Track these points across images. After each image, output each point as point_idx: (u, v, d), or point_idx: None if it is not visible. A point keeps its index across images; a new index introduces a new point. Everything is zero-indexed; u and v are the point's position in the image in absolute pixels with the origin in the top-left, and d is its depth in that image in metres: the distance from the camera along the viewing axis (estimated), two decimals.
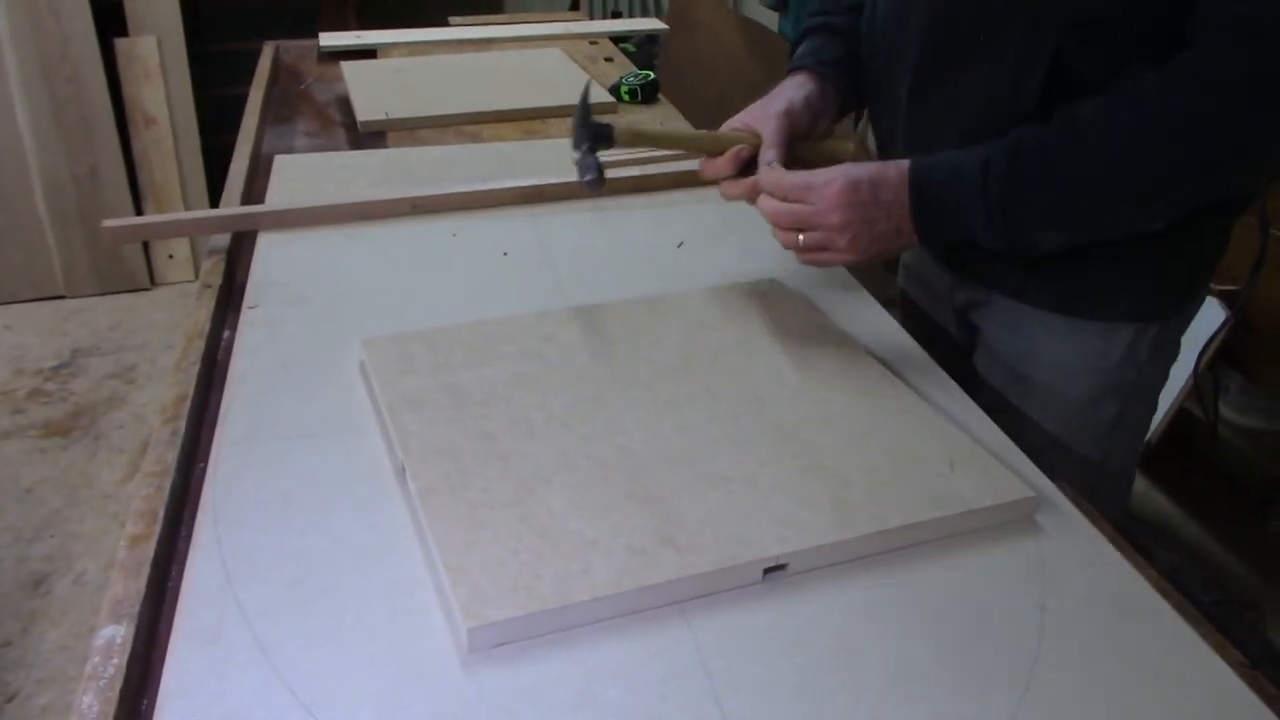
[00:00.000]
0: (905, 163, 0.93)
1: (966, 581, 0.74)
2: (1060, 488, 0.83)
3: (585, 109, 1.03)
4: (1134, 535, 0.80)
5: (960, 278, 1.11)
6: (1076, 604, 0.72)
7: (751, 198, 0.99)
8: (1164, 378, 1.11)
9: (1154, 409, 1.14)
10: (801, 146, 1.07)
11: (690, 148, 1.12)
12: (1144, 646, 0.69)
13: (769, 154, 1.01)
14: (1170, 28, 0.85)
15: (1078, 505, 0.82)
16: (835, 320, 1.03)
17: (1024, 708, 0.64)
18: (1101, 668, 0.67)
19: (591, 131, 1.02)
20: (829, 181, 0.92)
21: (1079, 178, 0.87)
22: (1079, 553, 0.77)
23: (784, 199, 0.94)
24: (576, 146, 1.02)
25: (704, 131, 1.09)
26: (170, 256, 3.20)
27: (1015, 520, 0.79)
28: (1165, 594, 0.74)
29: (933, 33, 1.00)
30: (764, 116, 1.05)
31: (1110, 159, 0.86)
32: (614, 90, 1.80)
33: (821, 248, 0.94)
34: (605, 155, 1.03)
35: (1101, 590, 0.73)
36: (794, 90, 1.09)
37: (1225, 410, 2.02)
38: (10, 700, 1.86)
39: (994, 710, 0.64)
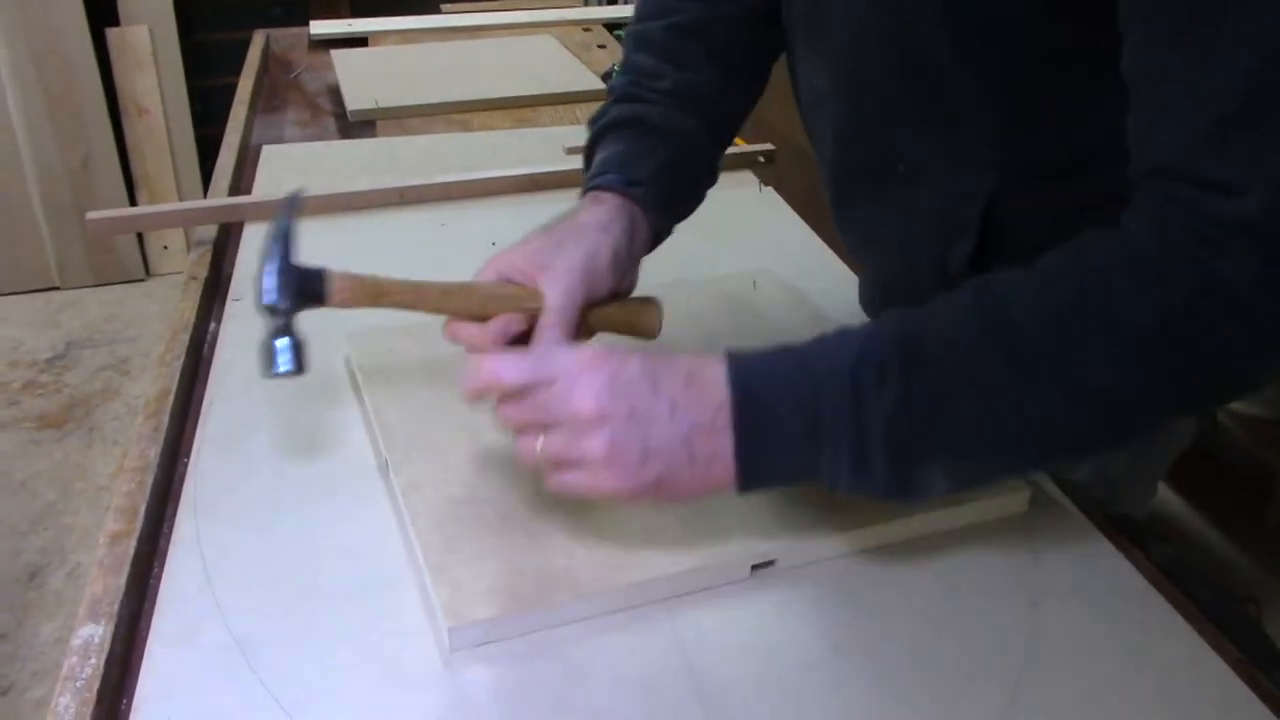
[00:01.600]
0: (712, 357, 0.63)
1: (957, 578, 0.72)
2: (1054, 481, 0.82)
3: (285, 237, 0.71)
4: (1129, 528, 0.79)
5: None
6: (1069, 599, 0.71)
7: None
8: (1151, 478, 0.98)
9: (1147, 496, 0.99)
10: (596, 313, 0.77)
11: (446, 310, 0.77)
12: (1139, 642, 0.68)
13: (552, 331, 0.72)
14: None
15: (1071, 499, 0.80)
16: (828, 311, 1.02)
17: (1015, 705, 0.63)
18: (1095, 664, 0.66)
19: (294, 281, 0.70)
20: (579, 350, 0.63)
21: (1011, 395, 0.59)
22: (1072, 547, 0.76)
23: (523, 386, 0.63)
24: (266, 304, 0.69)
25: (464, 284, 0.78)
26: (165, 248, 3.18)
27: (1007, 515, 0.78)
28: (1161, 589, 0.72)
29: (844, 154, 0.86)
30: (553, 270, 0.73)
31: (1071, 362, 0.58)
32: (607, 78, 1.78)
33: (564, 459, 0.62)
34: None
35: (1095, 585, 0.72)
36: (599, 231, 0.76)
37: None
38: (5, 693, 1.85)
39: (985, 708, 0.63)
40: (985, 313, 0.59)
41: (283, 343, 0.68)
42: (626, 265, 0.78)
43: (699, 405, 0.61)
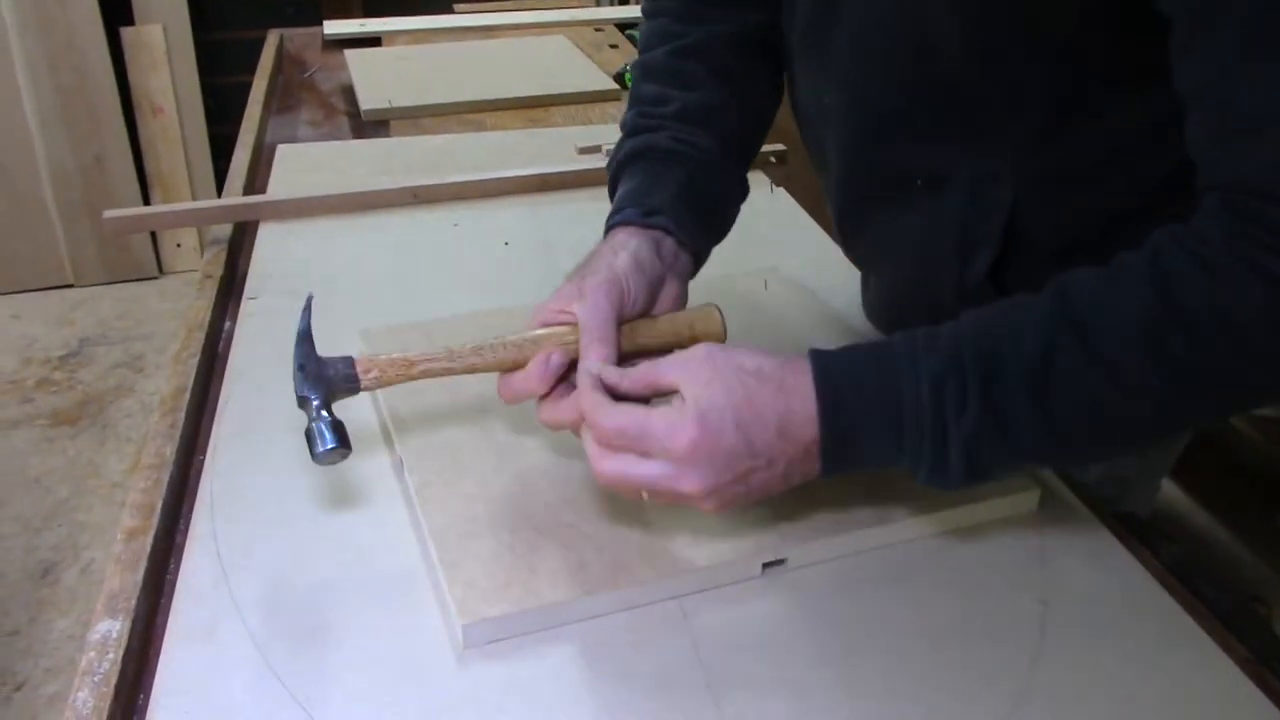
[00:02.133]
0: (803, 366, 0.65)
1: (967, 576, 0.73)
2: (1063, 480, 0.82)
3: (307, 335, 0.73)
4: (1138, 528, 0.79)
5: None
6: (1079, 598, 0.71)
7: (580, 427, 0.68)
8: (1156, 476, 0.99)
9: (1152, 494, 0.99)
10: (643, 328, 0.76)
11: (482, 367, 0.75)
12: (1147, 641, 0.68)
13: (591, 356, 0.70)
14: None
15: (1080, 497, 0.81)
16: (837, 310, 1.02)
17: (1024, 704, 0.63)
18: (1104, 663, 0.66)
19: (321, 373, 0.72)
20: (673, 426, 0.62)
21: (1086, 410, 0.61)
22: (1081, 546, 0.76)
23: (609, 445, 0.65)
24: (301, 395, 0.72)
25: (497, 338, 0.75)
26: (178, 246, 3.20)
27: (1017, 513, 0.78)
28: (1170, 588, 0.73)
29: (854, 170, 0.85)
30: (581, 296, 0.73)
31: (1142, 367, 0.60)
32: (619, 78, 1.78)
33: (670, 503, 0.66)
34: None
35: (1104, 584, 0.73)
36: (617, 250, 0.76)
37: None
38: (19, 689, 1.86)
39: (994, 706, 0.63)
40: (1060, 324, 0.61)
41: (321, 426, 0.70)
42: (658, 275, 0.78)
43: (793, 449, 0.64)
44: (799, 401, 0.63)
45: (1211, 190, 0.60)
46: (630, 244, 0.77)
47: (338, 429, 0.70)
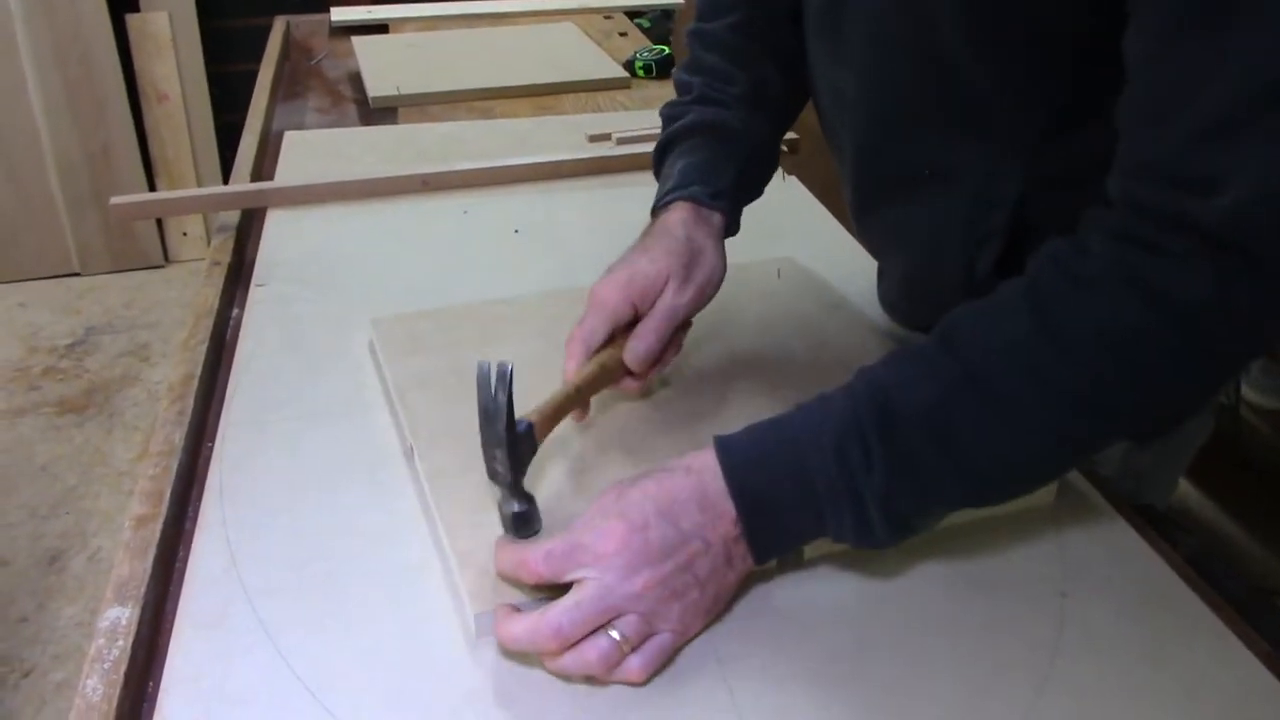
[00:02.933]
0: (707, 449, 0.65)
1: (985, 568, 0.72)
2: (1081, 473, 0.82)
3: (505, 409, 0.67)
4: (1156, 520, 0.78)
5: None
6: (1097, 591, 0.70)
7: None
8: (1176, 470, 0.98)
9: (1170, 487, 0.98)
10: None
11: (600, 387, 0.78)
12: (1167, 634, 0.67)
13: (644, 344, 0.76)
14: None
15: (1100, 490, 0.80)
16: (851, 300, 1.01)
17: (1043, 697, 0.63)
18: (1123, 656, 0.66)
19: (510, 445, 0.67)
20: (599, 532, 0.62)
21: (986, 448, 0.61)
22: (1100, 538, 0.75)
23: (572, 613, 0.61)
24: (491, 468, 0.69)
25: (596, 364, 0.77)
26: (184, 234, 3.19)
27: (1035, 506, 0.77)
28: (1189, 581, 0.72)
29: (868, 158, 0.84)
30: (657, 306, 0.78)
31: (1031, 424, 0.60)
32: (629, 66, 1.77)
33: (647, 634, 0.62)
34: None
35: (1123, 577, 0.72)
36: (679, 241, 0.80)
37: (1247, 392, 1.99)
38: (26, 675, 1.86)
39: (1012, 700, 0.62)
40: (949, 369, 0.61)
41: (532, 509, 0.70)
42: (701, 246, 0.82)
43: (719, 525, 0.63)
44: (710, 477, 0.63)
45: (1115, 180, 0.59)
46: (682, 225, 0.81)
47: (530, 503, 0.70)
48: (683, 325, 0.82)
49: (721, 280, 0.83)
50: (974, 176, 0.77)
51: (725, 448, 0.64)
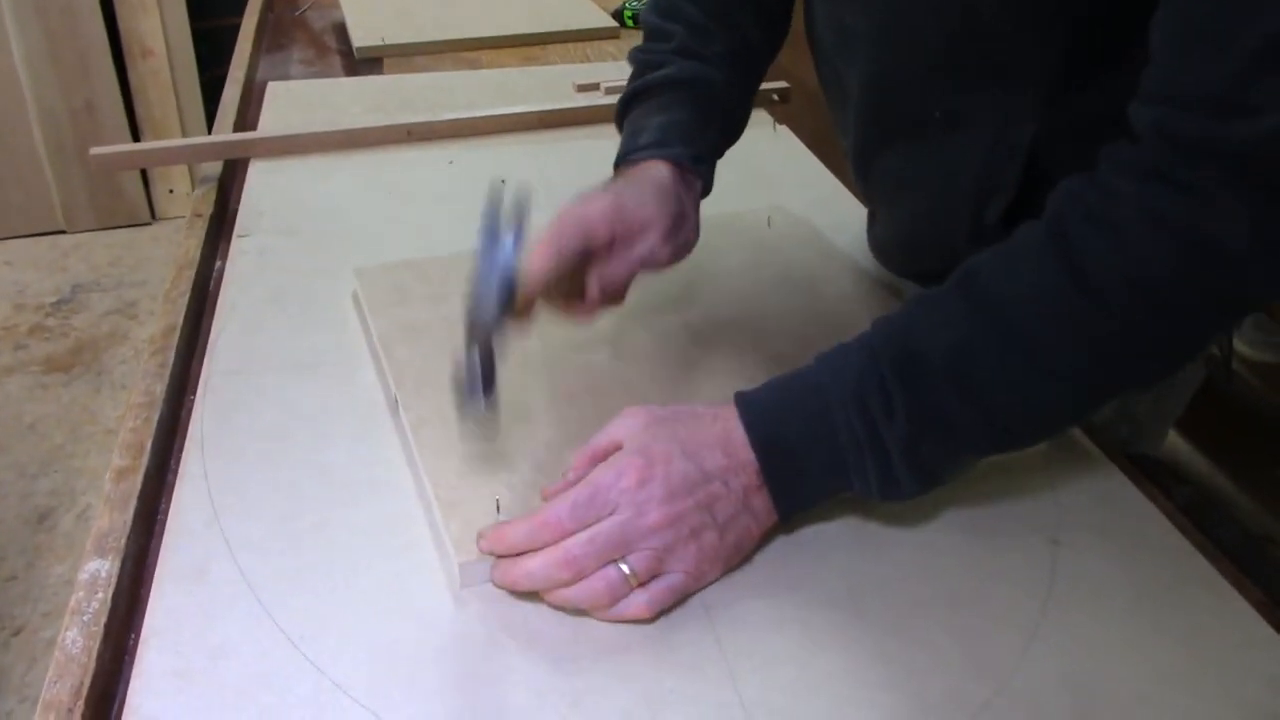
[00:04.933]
0: (730, 407, 0.65)
1: (976, 518, 0.71)
2: None
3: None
4: (1150, 468, 0.77)
5: None
6: (1090, 540, 0.70)
7: None
8: (1171, 413, 0.96)
9: (1162, 434, 0.97)
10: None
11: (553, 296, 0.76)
12: (1160, 582, 0.67)
13: (534, 262, 0.70)
14: None
15: (1091, 438, 0.79)
16: (841, 246, 1.00)
17: (1035, 645, 0.62)
18: (1116, 604, 0.65)
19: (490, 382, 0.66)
20: (619, 469, 0.62)
21: (1013, 394, 0.61)
22: (1093, 487, 0.74)
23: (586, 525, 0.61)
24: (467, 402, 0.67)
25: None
26: (171, 191, 3.16)
27: (1027, 453, 0.76)
28: (1183, 529, 0.71)
29: (876, 101, 0.82)
30: (643, 233, 0.76)
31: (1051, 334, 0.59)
32: (617, 15, 1.75)
33: (658, 570, 0.61)
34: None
35: (1116, 525, 0.71)
36: (671, 199, 0.78)
37: (1239, 345, 1.99)
38: (17, 633, 1.86)
39: (1004, 647, 0.62)
40: (970, 315, 0.60)
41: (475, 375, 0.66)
42: (683, 209, 0.80)
43: (742, 471, 0.63)
44: (733, 425, 0.64)
45: (1144, 109, 0.57)
46: (669, 183, 0.79)
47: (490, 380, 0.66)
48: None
49: (692, 248, 0.81)
50: (987, 123, 0.75)
51: (745, 401, 0.64)
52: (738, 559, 0.65)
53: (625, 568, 0.60)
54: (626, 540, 0.60)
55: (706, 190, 0.85)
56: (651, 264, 0.76)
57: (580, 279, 0.74)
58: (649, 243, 0.76)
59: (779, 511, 0.65)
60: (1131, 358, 0.60)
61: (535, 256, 0.70)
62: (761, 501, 0.64)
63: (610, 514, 0.61)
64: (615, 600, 0.60)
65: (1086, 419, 0.71)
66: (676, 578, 0.62)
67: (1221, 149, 0.53)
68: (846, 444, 0.62)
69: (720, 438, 0.63)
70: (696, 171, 0.82)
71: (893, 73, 0.79)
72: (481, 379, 0.65)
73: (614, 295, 0.77)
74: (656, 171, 0.79)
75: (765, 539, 0.68)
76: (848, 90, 0.85)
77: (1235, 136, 0.52)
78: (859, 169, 0.90)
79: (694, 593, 0.64)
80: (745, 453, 0.63)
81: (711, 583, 0.64)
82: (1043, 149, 0.73)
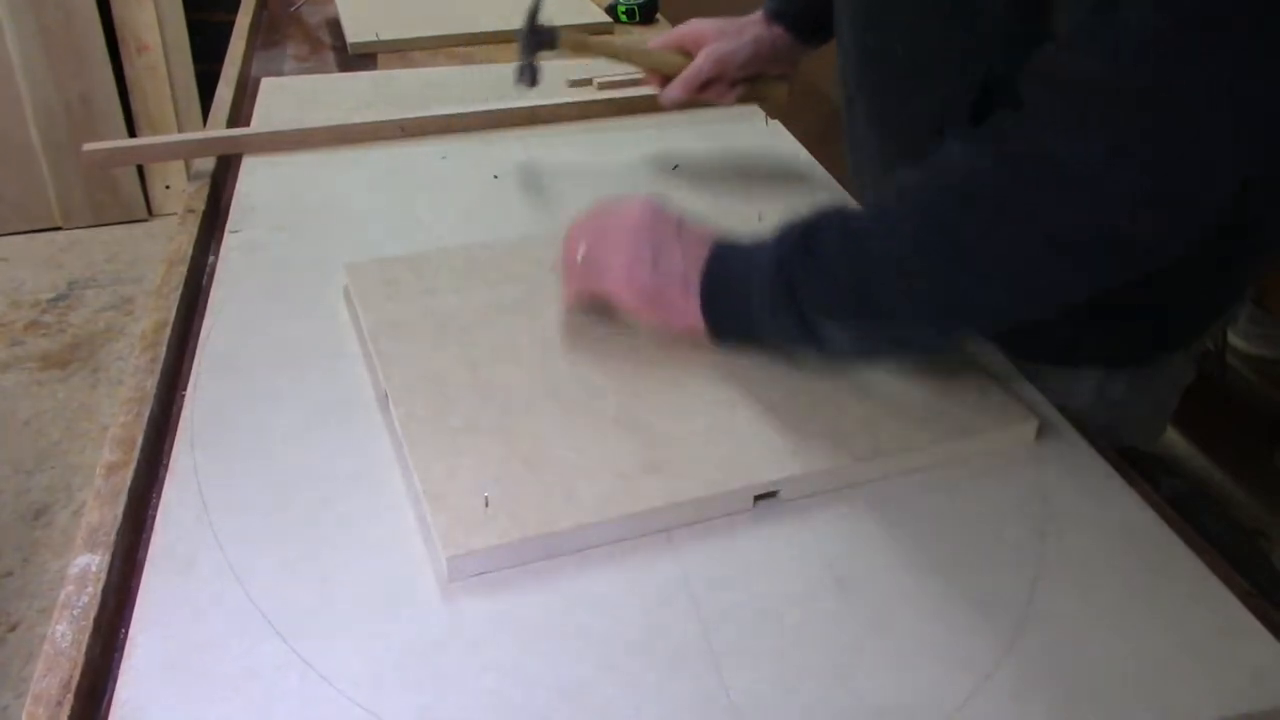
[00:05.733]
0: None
1: (964, 509, 0.72)
2: (1061, 412, 0.81)
3: (533, 12, 1.06)
4: (1138, 461, 0.77)
5: None
6: (1078, 531, 0.70)
7: None
8: (1158, 410, 0.97)
9: (1159, 422, 1.00)
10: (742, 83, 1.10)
11: (631, 62, 1.14)
12: (1147, 574, 0.67)
13: (674, 91, 1.06)
14: None
15: (1081, 431, 0.79)
16: None
17: (1022, 636, 0.62)
18: (1103, 596, 0.65)
19: (535, 35, 1.06)
20: (637, 198, 0.81)
21: (865, 263, 0.69)
22: (1081, 479, 0.75)
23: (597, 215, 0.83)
24: (521, 46, 1.07)
25: (641, 49, 1.12)
26: (167, 187, 3.15)
27: (1016, 446, 0.77)
28: (1170, 521, 0.71)
29: (858, 44, 0.89)
30: (703, 53, 1.05)
31: (899, 244, 0.68)
32: (611, 10, 1.75)
33: (596, 260, 0.80)
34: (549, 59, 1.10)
35: (1104, 517, 0.71)
36: (752, 35, 1.06)
37: (1234, 339, 1.99)
38: (13, 629, 1.86)
39: (991, 639, 0.62)
40: (875, 202, 0.74)
41: (527, 64, 1.09)
42: (768, 63, 1.09)
43: (697, 258, 0.76)
44: (712, 238, 0.78)
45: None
46: (769, 37, 1.08)
47: (535, 71, 1.09)
48: (730, 83, 1.09)
49: (742, 70, 1.08)
50: (948, 62, 0.78)
51: (725, 234, 0.78)
52: (654, 312, 0.78)
53: (580, 253, 0.81)
54: (602, 224, 0.81)
55: (800, 37, 1.08)
56: (721, 65, 1.06)
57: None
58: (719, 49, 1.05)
59: (704, 309, 0.75)
60: (956, 252, 0.66)
61: (659, 40, 1.11)
62: (695, 294, 0.75)
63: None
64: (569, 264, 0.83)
65: (934, 330, 0.73)
66: (602, 276, 0.80)
67: (1066, 79, 0.62)
68: (757, 276, 0.72)
69: (703, 236, 0.78)
70: (787, 26, 1.08)
71: (872, 12, 0.86)
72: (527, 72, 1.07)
73: (691, 86, 1.07)
74: (758, 28, 1.08)
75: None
76: (844, 38, 0.94)
77: (1081, 71, 0.61)
78: (846, 126, 0.97)
79: (601, 300, 0.82)
80: (706, 252, 0.76)
81: (616, 306, 0.81)
82: (1000, 88, 0.74)
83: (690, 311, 0.76)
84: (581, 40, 1.11)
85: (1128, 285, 0.66)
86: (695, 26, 1.08)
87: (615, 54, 1.13)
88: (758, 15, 1.09)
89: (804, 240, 0.71)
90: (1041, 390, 0.83)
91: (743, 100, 1.11)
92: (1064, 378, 0.86)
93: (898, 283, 0.67)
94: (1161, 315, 0.86)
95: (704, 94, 1.08)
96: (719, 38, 1.06)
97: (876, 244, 0.68)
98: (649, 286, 0.76)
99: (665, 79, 1.10)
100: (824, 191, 1.15)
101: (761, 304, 0.72)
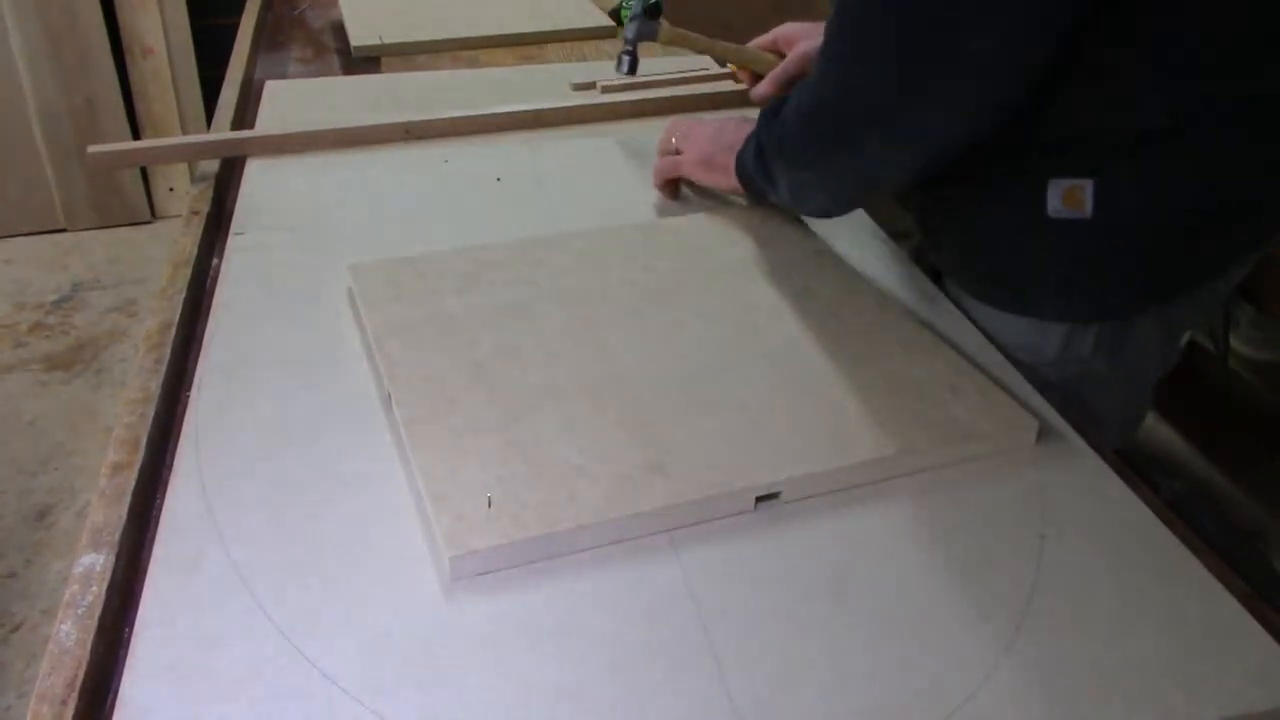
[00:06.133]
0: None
1: (964, 510, 0.72)
2: (1063, 415, 0.81)
3: (641, 3, 1.16)
4: (1138, 465, 0.78)
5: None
6: (1077, 533, 0.70)
7: None
8: (1137, 377, 0.99)
9: (1133, 400, 1.03)
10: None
11: (726, 58, 1.27)
12: (1145, 575, 0.67)
13: (763, 88, 1.21)
14: None
15: (1081, 433, 0.79)
16: (836, 247, 1.00)
17: (1020, 639, 0.63)
18: (1101, 597, 0.66)
19: (640, 24, 1.17)
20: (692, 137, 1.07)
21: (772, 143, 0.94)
22: (1081, 481, 0.75)
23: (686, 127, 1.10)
24: (625, 35, 1.18)
25: (735, 46, 1.25)
26: (171, 189, 3.16)
27: (1016, 448, 0.77)
28: (1169, 523, 0.72)
29: None
30: (794, 51, 1.19)
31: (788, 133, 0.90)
32: (614, 14, 1.75)
33: (684, 137, 1.07)
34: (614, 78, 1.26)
35: (1103, 519, 0.72)
36: None
37: (1236, 343, 1.99)
38: (16, 630, 1.87)
39: (990, 641, 0.62)
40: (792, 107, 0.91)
41: (630, 49, 1.22)
42: None
43: (742, 137, 1.00)
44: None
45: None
46: None
47: (636, 59, 1.24)
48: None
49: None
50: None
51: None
52: (708, 161, 1.05)
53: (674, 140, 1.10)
54: (687, 130, 1.09)
55: None
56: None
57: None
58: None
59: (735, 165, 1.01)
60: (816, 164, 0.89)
61: (758, 40, 1.26)
62: (732, 163, 1.02)
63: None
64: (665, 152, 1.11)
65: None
66: (676, 159, 1.09)
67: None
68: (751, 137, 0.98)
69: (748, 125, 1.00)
70: None
71: None
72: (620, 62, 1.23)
73: (776, 84, 1.21)
74: None
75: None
76: None
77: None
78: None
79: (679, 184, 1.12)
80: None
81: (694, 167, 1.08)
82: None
83: (731, 171, 1.01)
84: (680, 34, 1.20)
85: (1080, 238, 0.84)
86: (788, 28, 1.21)
87: (710, 50, 1.25)
88: None
89: (767, 122, 0.93)
90: (1019, 343, 0.92)
91: None
92: (1033, 329, 0.92)
93: (800, 155, 0.90)
94: (1122, 273, 0.88)
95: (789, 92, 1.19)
96: (808, 37, 1.18)
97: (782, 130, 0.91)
98: (710, 153, 1.04)
99: (756, 77, 1.25)
100: None
101: (753, 160, 0.96)
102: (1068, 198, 0.85)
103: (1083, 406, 0.90)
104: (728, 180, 1.02)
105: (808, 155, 0.88)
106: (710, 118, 1.10)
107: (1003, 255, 0.91)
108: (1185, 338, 0.97)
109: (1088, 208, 0.84)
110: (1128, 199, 0.84)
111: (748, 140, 0.98)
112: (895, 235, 1.10)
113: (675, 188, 1.12)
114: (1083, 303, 0.90)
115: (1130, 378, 0.98)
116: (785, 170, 0.92)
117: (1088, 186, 0.84)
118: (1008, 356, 0.89)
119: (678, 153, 1.09)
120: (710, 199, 1.12)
